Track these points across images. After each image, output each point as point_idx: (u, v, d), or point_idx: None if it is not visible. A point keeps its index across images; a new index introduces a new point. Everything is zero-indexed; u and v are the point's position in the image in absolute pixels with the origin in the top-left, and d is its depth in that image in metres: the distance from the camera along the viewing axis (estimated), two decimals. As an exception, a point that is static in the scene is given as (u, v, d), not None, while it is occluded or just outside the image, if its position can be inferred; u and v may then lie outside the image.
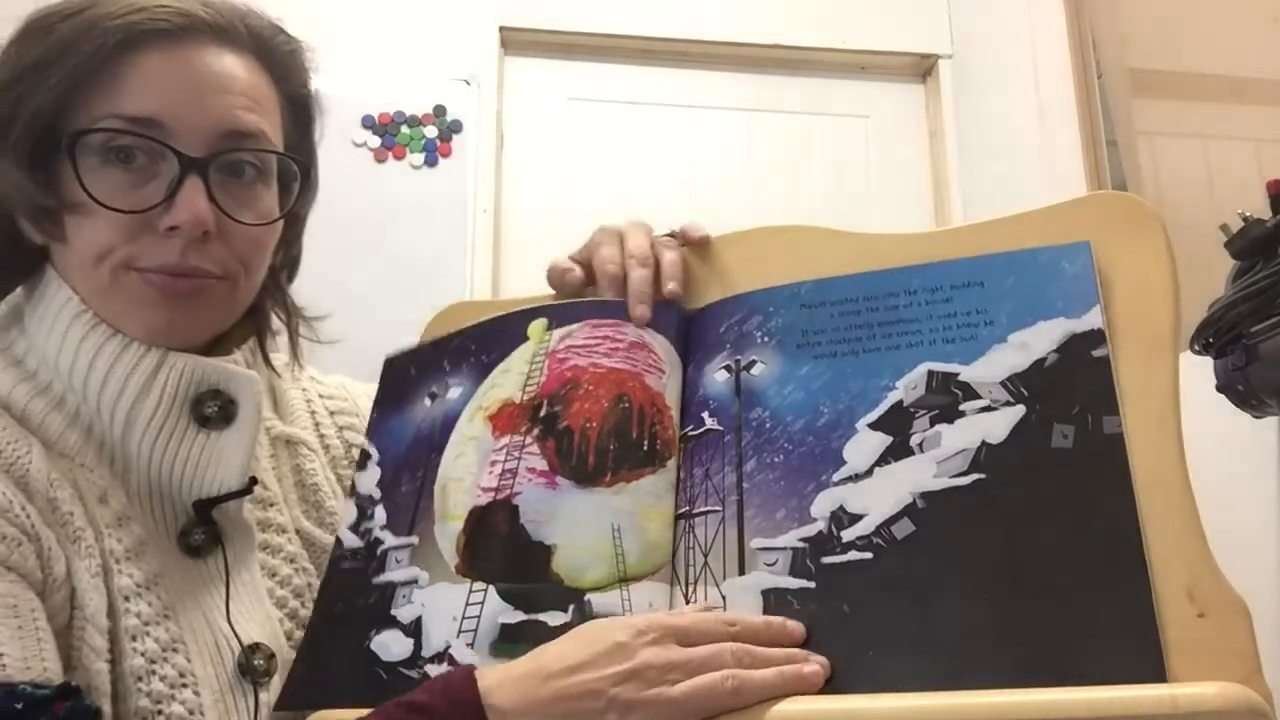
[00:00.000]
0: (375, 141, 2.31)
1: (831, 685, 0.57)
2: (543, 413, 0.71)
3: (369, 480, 0.76)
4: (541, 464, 0.69)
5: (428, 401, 0.78)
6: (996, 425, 0.61)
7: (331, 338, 0.84)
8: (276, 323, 0.80)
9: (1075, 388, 0.61)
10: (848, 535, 0.61)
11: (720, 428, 0.69)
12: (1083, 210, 0.67)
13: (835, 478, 0.63)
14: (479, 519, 0.69)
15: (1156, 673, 0.52)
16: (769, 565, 0.62)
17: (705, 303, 0.76)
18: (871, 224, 0.74)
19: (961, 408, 0.62)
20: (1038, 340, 0.63)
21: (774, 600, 0.61)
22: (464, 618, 0.65)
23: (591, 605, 0.63)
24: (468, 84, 2.38)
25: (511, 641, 0.63)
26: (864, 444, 0.64)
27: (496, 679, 0.56)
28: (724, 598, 0.62)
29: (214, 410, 0.68)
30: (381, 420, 0.80)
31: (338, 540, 0.74)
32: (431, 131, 2.34)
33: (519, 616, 0.64)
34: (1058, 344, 0.62)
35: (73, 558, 0.62)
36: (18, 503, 0.60)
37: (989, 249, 0.68)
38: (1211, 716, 0.50)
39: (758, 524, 0.64)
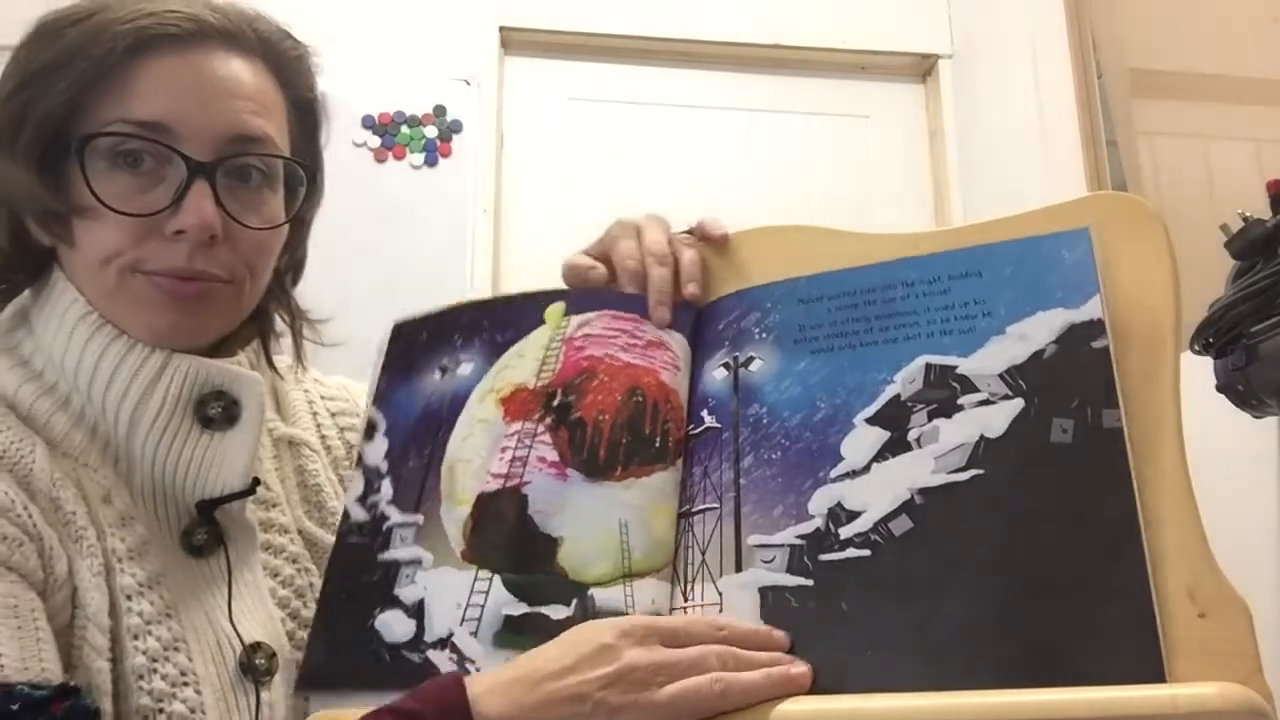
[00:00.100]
0: (375, 141, 2.32)
1: (830, 684, 0.57)
2: (556, 401, 0.71)
3: (376, 451, 0.75)
4: (553, 454, 0.69)
5: (437, 375, 0.76)
6: (995, 419, 0.61)
7: (330, 338, 0.84)
8: (280, 325, 0.80)
9: (1074, 380, 0.60)
10: (845, 532, 0.61)
11: (719, 425, 0.69)
12: (1083, 210, 0.67)
13: (833, 474, 0.63)
14: (487, 505, 0.69)
15: (1156, 673, 0.52)
16: (766, 562, 0.62)
17: (705, 301, 0.76)
18: (871, 224, 0.74)
19: (959, 401, 0.62)
20: (1036, 331, 0.62)
21: (771, 598, 0.61)
22: (468, 605, 0.65)
23: (595, 600, 0.63)
24: (468, 84, 2.38)
25: (515, 633, 0.63)
26: (861, 439, 0.63)
27: (484, 686, 0.56)
28: (720, 595, 0.62)
29: (218, 411, 0.69)
30: (390, 389, 0.77)
31: (345, 513, 0.73)
32: (431, 131, 2.34)
33: (523, 608, 0.64)
34: (1057, 335, 0.62)
35: (74, 557, 0.62)
36: (20, 502, 0.61)
37: (989, 248, 0.68)
38: (1212, 717, 0.50)
39: (755, 521, 0.63)
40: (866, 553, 0.60)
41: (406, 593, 0.67)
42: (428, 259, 2.24)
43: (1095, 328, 0.61)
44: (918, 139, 2.54)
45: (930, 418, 0.62)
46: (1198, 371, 0.92)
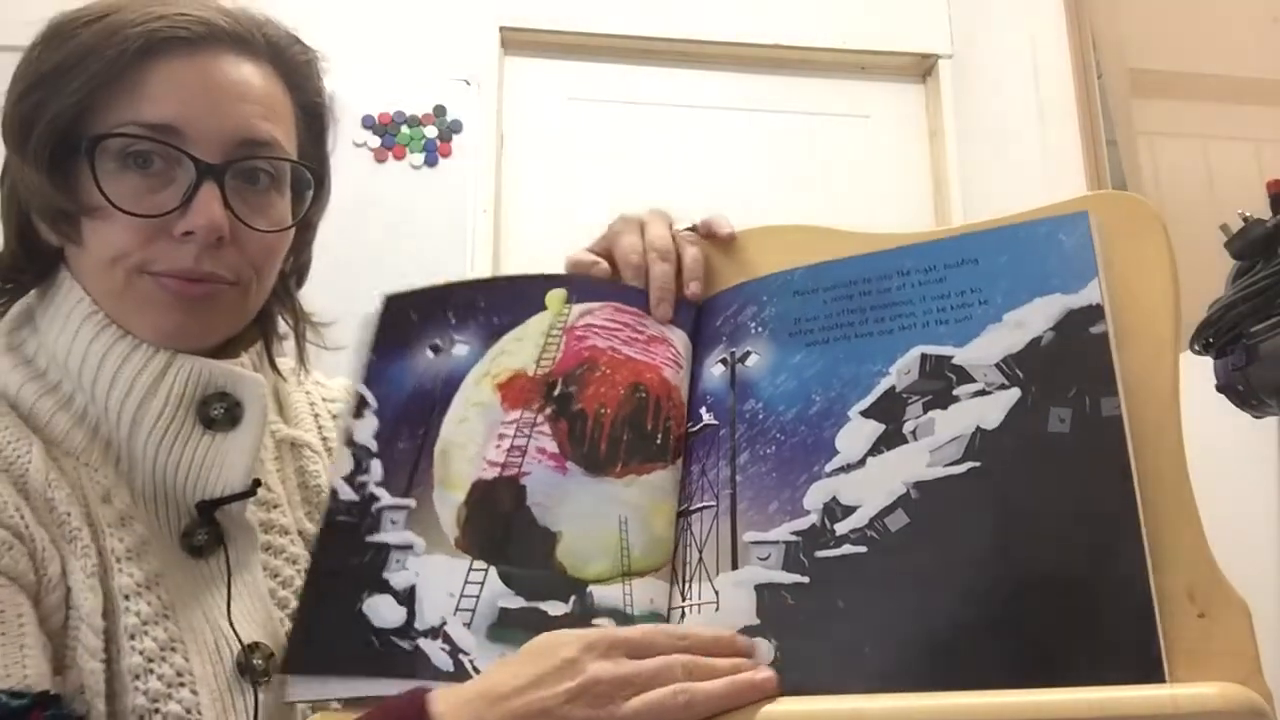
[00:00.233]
0: (375, 141, 2.32)
1: (827, 683, 0.57)
2: (556, 391, 0.70)
3: (366, 430, 0.73)
4: (552, 446, 0.68)
5: (430, 353, 0.75)
6: (991, 410, 0.60)
7: (330, 340, 0.84)
8: (284, 327, 0.80)
9: (1073, 368, 0.59)
10: (841, 528, 0.60)
11: (716, 422, 0.68)
12: (1082, 210, 0.67)
13: (828, 468, 0.62)
14: (483, 494, 0.68)
15: (1156, 673, 0.52)
16: (762, 560, 0.61)
17: (704, 298, 0.75)
18: (871, 224, 0.73)
19: (955, 392, 0.61)
20: (1033, 318, 0.61)
21: (767, 596, 0.60)
22: (462, 596, 0.64)
23: (593, 598, 0.63)
24: (468, 84, 2.38)
25: (510, 627, 0.62)
26: (856, 432, 0.63)
27: (446, 704, 0.56)
28: (717, 594, 0.62)
29: (220, 412, 0.69)
30: (380, 365, 0.75)
31: (333, 492, 0.71)
32: (431, 131, 2.34)
33: (519, 602, 0.63)
34: (1054, 321, 0.61)
35: (68, 557, 0.62)
36: (11, 503, 0.61)
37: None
38: (1212, 717, 0.50)
39: (751, 517, 0.63)
40: (862, 549, 0.59)
41: (397, 578, 0.66)
42: (428, 259, 2.24)
43: (1094, 313, 0.60)
44: (918, 139, 2.54)
45: (926, 409, 0.62)
46: (1198, 371, 0.92)
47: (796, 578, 0.60)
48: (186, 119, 0.66)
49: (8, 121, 0.68)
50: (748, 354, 0.70)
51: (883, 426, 0.62)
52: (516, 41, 2.46)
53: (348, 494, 0.71)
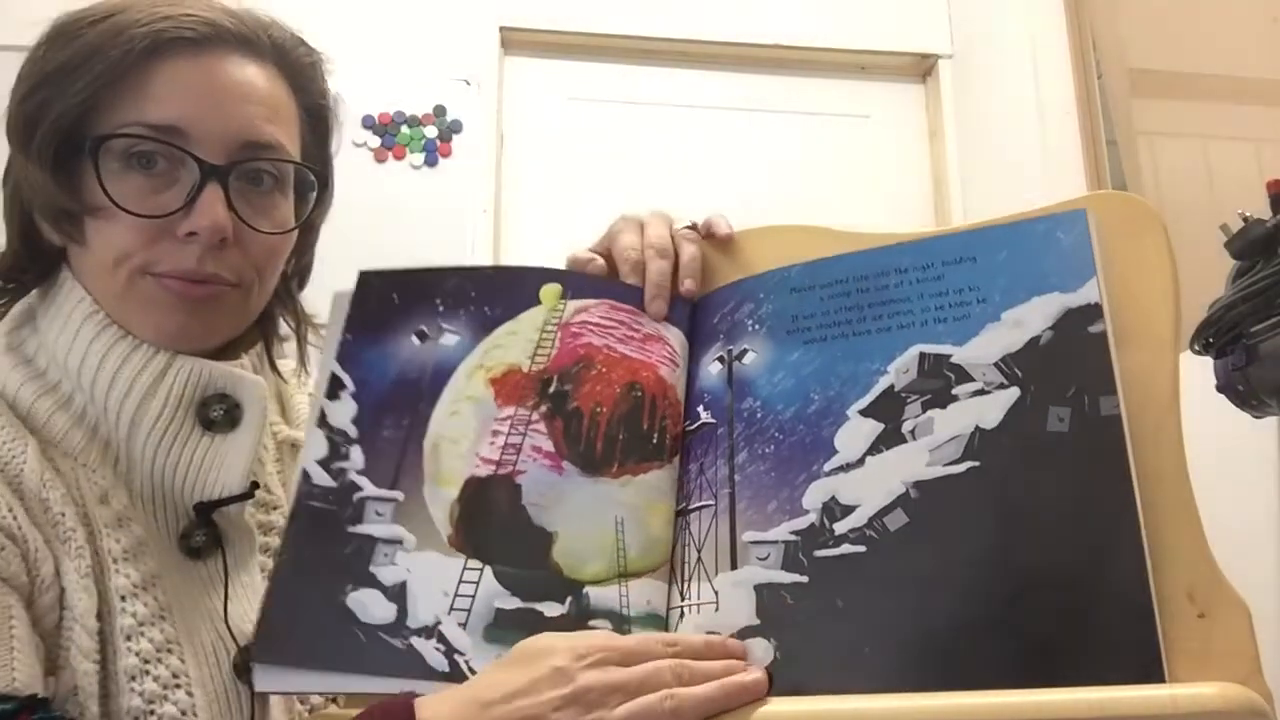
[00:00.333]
0: (375, 141, 2.32)
1: (826, 683, 0.57)
2: (552, 389, 0.70)
3: (343, 413, 0.70)
4: (548, 445, 0.68)
5: (415, 340, 0.72)
6: (990, 409, 0.60)
7: None
8: (285, 329, 0.80)
9: (1071, 367, 0.59)
10: (840, 528, 0.60)
11: (714, 421, 0.68)
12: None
13: (826, 467, 0.62)
14: (477, 491, 0.67)
15: (1156, 673, 0.52)
16: (761, 560, 0.61)
17: (701, 296, 0.75)
18: (871, 224, 0.73)
19: (954, 391, 0.61)
20: (1032, 317, 0.62)
21: (767, 595, 0.60)
22: (457, 595, 0.64)
23: (590, 599, 0.63)
24: (468, 84, 2.38)
25: (506, 628, 0.62)
26: (855, 431, 0.63)
27: (433, 710, 0.56)
28: (716, 594, 0.62)
29: (219, 414, 0.69)
30: (356, 346, 0.72)
31: (305, 474, 0.68)
32: (431, 131, 2.34)
33: (515, 603, 0.63)
34: (1053, 320, 0.61)
35: (62, 558, 0.62)
36: (4, 503, 0.61)
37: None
38: (1212, 717, 0.50)
39: (749, 516, 0.63)
40: (862, 549, 0.59)
41: (385, 573, 0.65)
42: (428, 259, 2.22)
43: (1092, 312, 0.60)
44: (918, 139, 2.54)
45: (925, 409, 0.62)
46: (1198, 371, 0.92)
47: (796, 577, 0.60)
48: (191, 120, 0.66)
49: (12, 120, 0.67)
50: (745, 352, 0.70)
51: (882, 426, 0.62)
52: (516, 41, 2.46)
53: (323, 479, 0.68)
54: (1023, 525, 0.57)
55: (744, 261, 0.76)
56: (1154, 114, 1.87)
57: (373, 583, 0.65)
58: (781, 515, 0.62)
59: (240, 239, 0.68)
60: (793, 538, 0.61)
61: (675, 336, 0.72)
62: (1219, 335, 0.97)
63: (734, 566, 0.62)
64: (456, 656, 0.62)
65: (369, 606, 0.64)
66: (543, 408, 0.69)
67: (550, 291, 0.74)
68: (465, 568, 0.65)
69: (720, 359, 0.70)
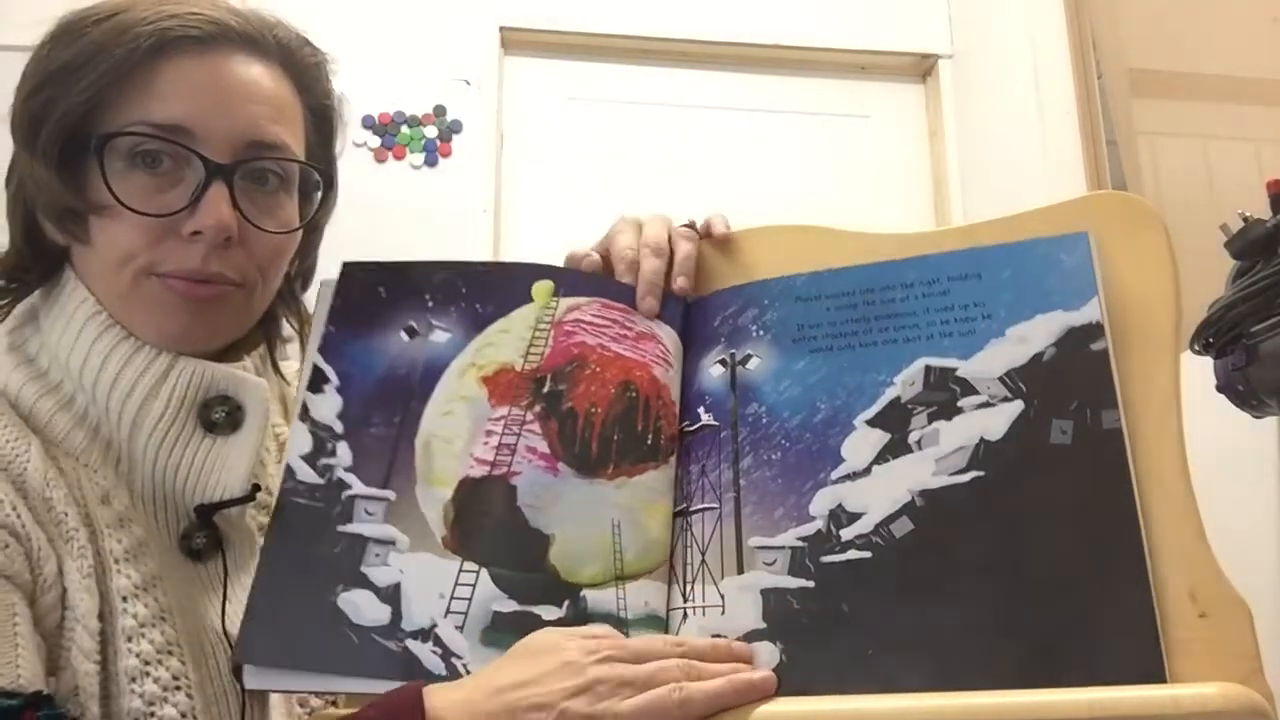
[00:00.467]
0: (375, 141, 2.32)
1: (831, 685, 0.57)
2: (546, 389, 0.70)
3: (327, 408, 0.69)
4: (543, 445, 0.68)
5: (404, 336, 0.72)
6: (995, 422, 0.61)
7: None
8: (288, 330, 0.80)
9: (1074, 382, 0.61)
10: (846, 534, 0.61)
11: (716, 423, 0.68)
12: (1083, 210, 0.67)
13: (833, 476, 0.63)
14: (471, 492, 0.67)
15: (1157, 673, 0.52)
16: (768, 564, 0.62)
17: (700, 295, 0.75)
18: (871, 224, 0.74)
19: (960, 404, 0.62)
20: (1035, 334, 0.63)
21: (773, 600, 0.61)
22: (453, 598, 0.63)
23: (587, 602, 0.63)
24: (468, 84, 2.38)
25: (503, 631, 0.62)
26: (862, 441, 0.64)
27: (442, 698, 0.56)
28: (723, 597, 0.62)
29: (221, 416, 0.68)
30: (340, 338, 0.72)
31: (288, 469, 0.67)
32: (431, 131, 2.34)
33: (512, 606, 0.63)
34: (1056, 338, 0.62)
35: (64, 557, 0.62)
36: (8, 502, 0.60)
37: (989, 248, 0.68)
38: (1213, 717, 0.50)
39: (755, 522, 0.63)
40: (868, 554, 0.60)
41: (378, 574, 0.64)
42: (427, 259, 2.23)
43: (1094, 330, 0.62)
44: (918, 139, 2.54)
45: (930, 420, 0.63)
46: (1198, 371, 0.92)
47: (802, 582, 0.60)
48: (196, 119, 0.66)
49: (17, 119, 0.67)
50: (749, 357, 0.70)
51: (888, 436, 0.63)
52: (516, 41, 2.46)
53: (308, 475, 0.67)
54: (1025, 532, 0.58)
55: (743, 262, 0.76)
56: (1154, 114, 1.87)
57: (365, 583, 0.64)
58: (788, 521, 0.63)
59: (245, 238, 0.68)
60: (799, 543, 0.62)
61: (668, 335, 0.73)
62: (1219, 335, 0.97)
63: (740, 570, 0.62)
64: (454, 660, 0.61)
65: (361, 608, 0.63)
66: (537, 408, 0.69)
67: (542, 289, 0.73)
68: (461, 570, 0.64)
69: (722, 362, 0.70)
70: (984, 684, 0.54)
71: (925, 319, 0.66)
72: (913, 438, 0.63)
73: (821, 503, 0.62)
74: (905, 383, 0.64)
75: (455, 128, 2.35)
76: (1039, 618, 0.55)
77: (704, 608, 0.62)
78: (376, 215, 2.22)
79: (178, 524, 0.69)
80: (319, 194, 0.76)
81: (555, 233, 2.25)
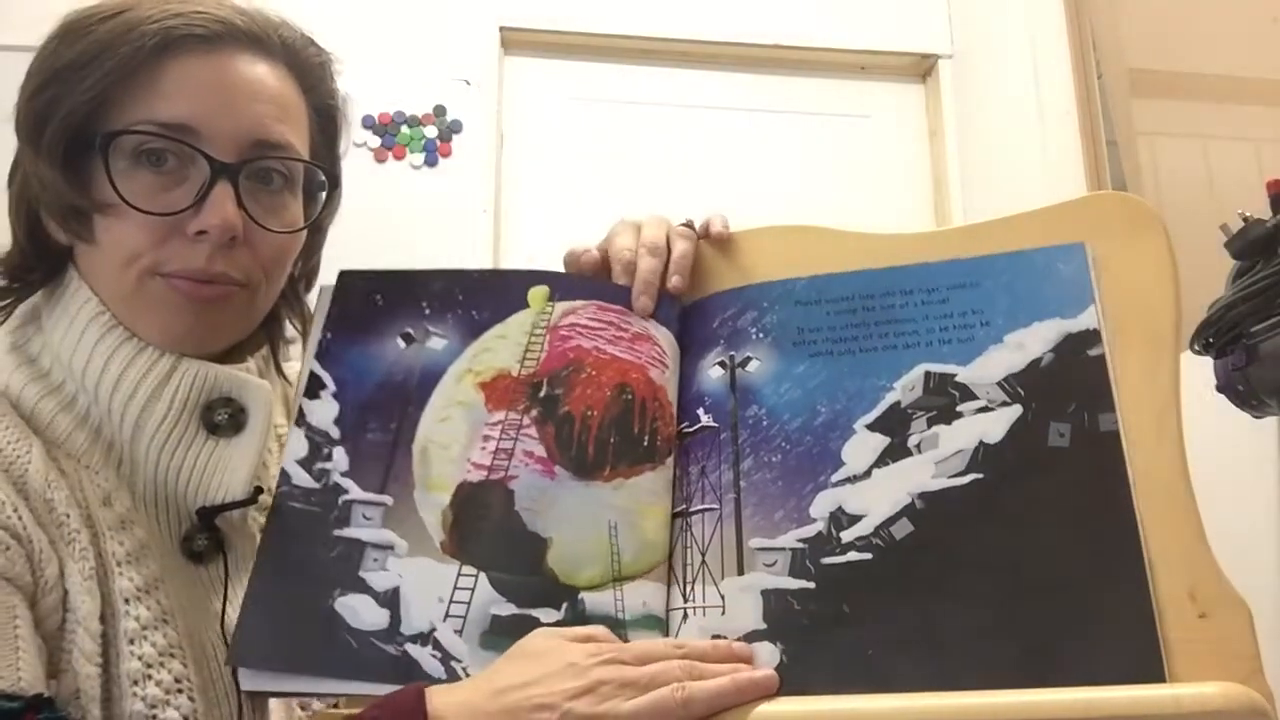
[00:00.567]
0: (375, 141, 2.32)
1: (831, 686, 0.57)
2: (542, 393, 0.70)
3: (324, 413, 0.70)
4: (540, 450, 0.68)
5: (401, 342, 0.72)
6: (994, 426, 0.62)
7: None
8: (291, 331, 0.80)
9: (1071, 387, 0.62)
10: (847, 536, 0.61)
11: (716, 425, 0.68)
12: (1083, 210, 0.67)
13: (834, 478, 0.63)
14: (469, 496, 0.67)
15: (1156, 673, 0.52)
16: (768, 566, 0.62)
17: (701, 295, 0.75)
18: (871, 224, 0.74)
19: (959, 409, 0.63)
20: (1033, 340, 0.64)
21: (774, 601, 0.61)
22: (452, 601, 0.63)
23: (585, 604, 0.63)
24: (468, 84, 2.38)
25: (502, 635, 0.62)
26: (862, 445, 0.64)
27: (443, 699, 0.56)
28: (723, 598, 0.62)
29: (224, 418, 0.68)
30: (337, 345, 0.73)
31: (284, 474, 0.68)
32: (431, 131, 2.34)
33: (511, 609, 0.63)
34: (1053, 344, 0.63)
35: (66, 559, 0.62)
36: (10, 504, 0.60)
37: (989, 249, 0.68)
38: (1214, 716, 0.50)
39: (756, 523, 0.64)
40: (868, 556, 0.60)
41: (376, 578, 0.65)
42: (428, 259, 2.21)
43: (1091, 337, 0.62)
44: (918, 139, 2.54)
45: (930, 424, 0.63)
46: (1198, 371, 0.92)
47: (803, 583, 0.61)
48: (201, 118, 0.65)
49: (22, 117, 0.67)
50: (748, 359, 0.70)
51: (888, 439, 0.64)
52: (516, 41, 2.46)
53: (304, 480, 0.68)
54: (1024, 533, 0.58)
55: (742, 263, 0.76)
56: (1154, 114, 1.87)
57: (363, 588, 0.64)
58: (789, 523, 0.63)
59: (250, 238, 0.68)
60: (800, 545, 0.62)
61: (664, 336, 0.73)
62: (1219, 335, 0.97)
63: (740, 572, 0.62)
64: (454, 663, 0.62)
65: (360, 612, 0.63)
66: (533, 412, 0.69)
67: (537, 294, 0.74)
68: (460, 574, 0.64)
69: (722, 364, 0.71)
70: (983, 684, 0.54)
71: (925, 325, 0.67)
72: (912, 441, 0.63)
73: (822, 505, 0.63)
74: (905, 388, 0.65)
75: (455, 128, 2.35)
76: (1037, 618, 0.56)
77: (704, 608, 0.62)
78: (376, 215, 2.23)
79: (179, 526, 0.69)
80: (323, 194, 0.76)
81: (555, 233, 2.25)
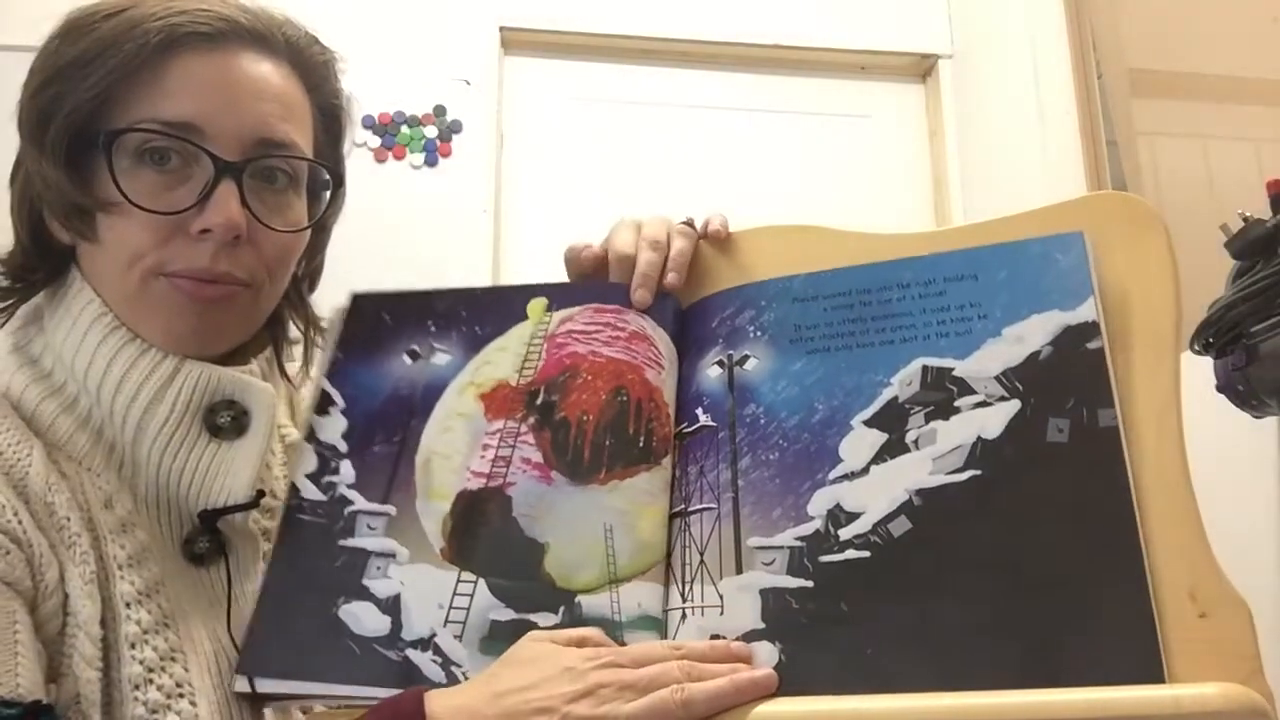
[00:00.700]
0: (375, 141, 2.32)
1: (830, 685, 0.57)
2: (539, 400, 0.71)
3: (333, 429, 0.73)
4: (536, 456, 0.69)
5: (407, 359, 0.75)
6: (992, 420, 0.61)
7: None
8: (294, 332, 0.80)
9: (1070, 381, 0.61)
10: (845, 534, 0.61)
11: (714, 424, 0.68)
12: (1083, 210, 0.67)
13: (831, 475, 0.63)
14: (469, 504, 0.68)
15: (1156, 672, 0.52)
16: (766, 564, 0.62)
17: (700, 296, 0.75)
18: (871, 224, 0.74)
19: (957, 404, 0.63)
20: (1032, 333, 0.63)
21: (772, 600, 0.61)
22: (451, 607, 0.64)
23: (582, 607, 0.63)
24: (468, 84, 2.38)
25: (501, 639, 0.62)
26: (860, 441, 0.64)
27: (443, 704, 0.56)
28: (721, 597, 0.62)
29: (227, 421, 0.68)
30: (347, 364, 0.75)
31: (294, 487, 0.71)
32: (431, 131, 2.34)
33: (509, 614, 0.63)
34: (1051, 337, 0.63)
35: (66, 563, 0.61)
36: (10, 507, 0.60)
37: (989, 248, 0.68)
38: (1214, 717, 0.50)
39: (754, 522, 0.63)
40: (866, 554, 0.60)
41: (378, 586, 0.66)
42: (428, 259, 2.23)
43: (1090, 329, 0.62)
44: (918, 139, 2.54)
45: (928, 420, 0.63)
46: (1198, 371, 0.92)
47: (801, 582, 0.60)
48: (205, 116, 0.65)
49: (24, 115, 0.67)
50: (746, 358, 0.70)
51: (885, 435, 0.63)
52: (516, 41, 2.46)
53: (312, 493, 0.70)
54: (1023, 529, 0.58)
55: (742, 263, 0.76)
56: (1154, 114, 1.86)
57: (365, 595, 0.66)
58: (787, 521, 0.63)
59: (254, 237, 0.67)
60: (798, 543, 0.62)
61: (660, 336, 0.73)
62: (1219, 335, 0.97)
63: (739, 571, 0.62)
64: (453, 668, 0.62)
65: (362, 618, 0.65)
66: (531, 419, 0.70)
67: (536, 306, 0.75)
68: (459, 580, 0.65)
69: (720, 363, 0.71)
70: (983, 683, 0.54)
71: (922, 319, 0.66)
72: (910, 437, 0.63)
73: (819, 503, 0.62)
74: (902, 383, 0.65)
75: (455, 128, 2.35)
76: (1036, 616, 0.55)
77: (703, 608, 0.62)
78: (376, 215, 2.23)
79: (181, 529, 0.69)
80: (327, 193, 0.75)
81: (555, 233, 2.24)
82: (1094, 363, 0.61)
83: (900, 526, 0.60)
